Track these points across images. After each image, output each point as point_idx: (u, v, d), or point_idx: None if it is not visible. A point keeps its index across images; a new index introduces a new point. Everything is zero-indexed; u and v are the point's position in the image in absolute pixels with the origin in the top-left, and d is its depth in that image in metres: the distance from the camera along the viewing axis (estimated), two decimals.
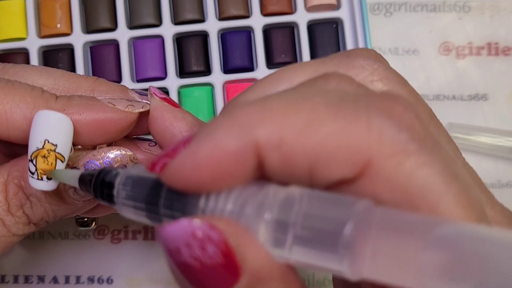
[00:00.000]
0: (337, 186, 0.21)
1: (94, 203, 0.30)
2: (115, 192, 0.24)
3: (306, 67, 0.24)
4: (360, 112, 0.20)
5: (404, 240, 0.18)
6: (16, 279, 0.42)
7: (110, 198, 0.24)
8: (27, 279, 0.42)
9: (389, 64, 0.24)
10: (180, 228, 0.20)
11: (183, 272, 0.20)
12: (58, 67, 0.41)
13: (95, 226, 0.41)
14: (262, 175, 0.21)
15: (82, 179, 0.26)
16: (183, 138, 0.23)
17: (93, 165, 0.28)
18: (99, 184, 0.24)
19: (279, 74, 0.24)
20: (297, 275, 0.21)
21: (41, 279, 0.42)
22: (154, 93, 0.30)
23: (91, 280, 0.42)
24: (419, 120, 0.21)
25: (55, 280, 0.42)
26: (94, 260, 0.42)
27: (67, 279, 0.42)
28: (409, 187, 0.20)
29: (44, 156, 0.27)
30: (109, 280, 0.42)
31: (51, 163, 0.27)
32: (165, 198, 0.22)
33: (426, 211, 0.20)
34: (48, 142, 0.27)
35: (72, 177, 0.26)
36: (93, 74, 0.42)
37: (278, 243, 0.20)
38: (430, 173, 0.20)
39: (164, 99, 0.30)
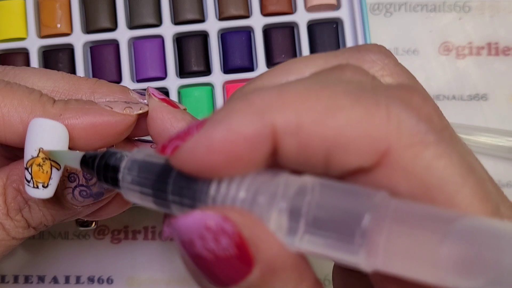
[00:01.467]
0: (352, 175, 0.21)
1: (93, 208, 0.30)
2: (120, 176, 0.23)
3: (317, 59, 0.24)
4: (380, 101, 0.20)
5: (421, 232, 0.18)
6: (16, 279, 0.42)
7: (114, 182, 0.24)
8: (27, 279, 0.42)
9: (398, 61, 0.24)
10: (193, 220, 0.20)
11: (196, 263, 0.20)
12: (58, 67, 0.41)
13: (95, 226, 0.41)
14: (274, 162, 0.21)
15: (84, 161, 0.25)
16: (196, 122, 0.22)
17: None
18: (102, 167, 0.24)
19: (288, 65, 0.24)
20: (309, 265, 0.21)
21: (41, 279, 0.42)
22: (152, 93, 0.29)
23: (91, 280, 0.42)
24: (437, 112, 0.22)
25: (55, 280, 0.42)
26: (94, 260, 0.42)
27: (67, 279, 0.42)
28: (426, 177, 0.20)
29: (39, 165, 0.27)
30: (109, 280, 0.42)
31: (47, 171, 0.27)
32: (174, 184, 0.21)
33: (442, 202, 0.20)
34: (43, 150, 0.27)
35: (73, 159, 0.26)
36: (93, 74, 0.42)
37: (291, 232, 0.20)
38: (448, 165, 0.20)
39: (163, 99, 0.29)
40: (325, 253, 0.20)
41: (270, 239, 0.20)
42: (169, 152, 0.21)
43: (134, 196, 0.23)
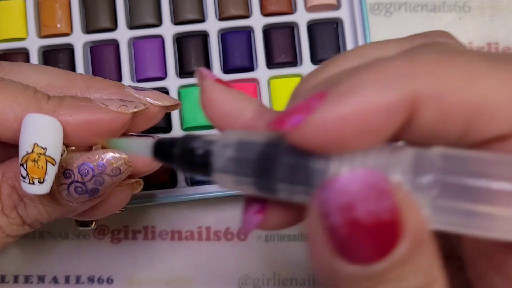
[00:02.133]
0: (488, 143, 0.20)
1: (88, 205, 0.30)
2: (214, 161, 0.21)
3: (391, 43, 0.23)
4: None
5: None
6: (16, 279, 0.42)
7: (204, 169, 0.21)
8: (27, 279, 0.42)
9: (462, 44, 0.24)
10: (360, 177, 0.18)
11: (347, 232, 0.18)
12: (58, 67, 0.41)
13: (95, 226, 0.41)
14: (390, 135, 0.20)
15: (159, 148, 0.22)
16: (314, 93, 0.20)
17: (86, 168, 0.28)
18: (187, 153, 0.21)
19: (361, 50, 0.22)
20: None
21: (41, 279, 0.42)
22: (206, 75, 0.25)
23: (91, 280, 0.42)
24: None
25: (55, 280, 0.42)
26: (94, 260, 0.42)
27: (67, 279, 0.42)
28: None
29: (34, 160, 0.27)
30: (109, 280, 0.42)
31: (42, 167, 0.27)
32: (283, 164, 0.20)
33: None
34: (38, 145, 0.27)
35: (142, 147, 0.23)
36: (93, 74, 0.42)
37: (436, 209, 0.19)
38: None
39: (217, 80, 0.25)
40: (461, 229, 0.19)
41: (417, 211, 0.19)
42: (288, 127, 0.20)
43: (231, 182, 0.21)
